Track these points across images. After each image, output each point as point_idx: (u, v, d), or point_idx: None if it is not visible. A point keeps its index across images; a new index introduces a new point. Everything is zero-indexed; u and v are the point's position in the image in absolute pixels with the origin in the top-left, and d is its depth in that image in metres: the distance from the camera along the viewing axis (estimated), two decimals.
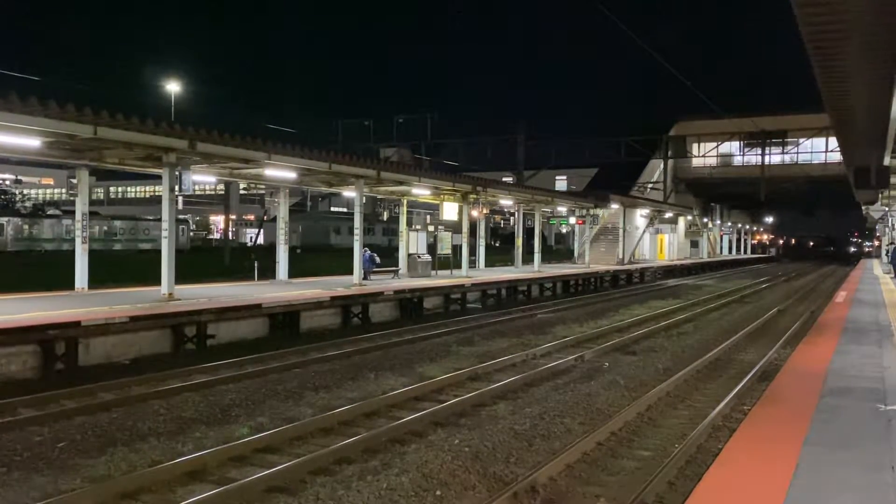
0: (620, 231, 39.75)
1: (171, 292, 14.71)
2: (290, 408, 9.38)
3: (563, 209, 36.63)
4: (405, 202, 26.56)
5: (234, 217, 63.24)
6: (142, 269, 23.53)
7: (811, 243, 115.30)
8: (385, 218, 74.58)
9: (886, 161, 22.13)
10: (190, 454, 7.21)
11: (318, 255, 41.11)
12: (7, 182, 68.80)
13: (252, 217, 79.73)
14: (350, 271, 20.44)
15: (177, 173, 14.41)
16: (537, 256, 31.35)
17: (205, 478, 6.77)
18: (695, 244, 58.35)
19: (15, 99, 10.92)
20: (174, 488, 6.50)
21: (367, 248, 21.94)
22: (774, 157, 53.82)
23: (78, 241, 16.36)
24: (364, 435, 7.88)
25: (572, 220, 36.63)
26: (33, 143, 12.77)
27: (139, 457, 7.26)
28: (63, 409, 8.95)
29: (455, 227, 26.43)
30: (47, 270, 24.50)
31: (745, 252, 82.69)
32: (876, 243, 74.12)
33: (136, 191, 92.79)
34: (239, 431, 8.19)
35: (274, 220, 32.86)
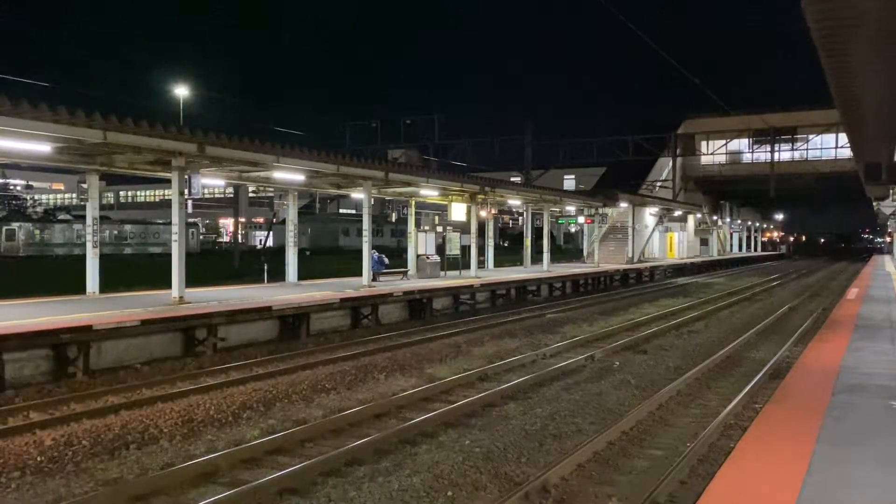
0: (630, 230, 39.61)
1: (181, 296, 14.77)
2: (300, 410, 9.40)
3: (571, 208, 36.55)
4: (413, 203, 26.58)
5: (243, 220, 63.44)
6: (152, 272, 23.66)
7: (822, 240, 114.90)
8: (394, 219, 74.65)
9: None
10: (202, 456, 7.24)
11: (327, 257, 41.23)
12: (18, 187, 69.27)
13: (261, 220, 79.95)
14: (359, 273, 20.46)
15: (186, 177, 14.47)
16: (546, 256, 31.30)
17: (217, 480, 6.80)
18: (704, 242, 58.09)
19: (26, 105, 10.99)
20: (187, 491, 6.53)
21: (375, 250, 21.96)
22: (784, 153, 53.56)
23: (89, 245, 16.45)
24: (375, 436, 7.89)
25: (581, 219, 36.55)
26: (44, 148, 12.86)
27: (151, 459, 7.29)
28: (75, 412, 9.00)
29: (464, 228, 26.42)
30: (59, 275, 24.66)
31: (756, 249, 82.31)
32: (888, 239, 73.53)
33: (145, 195, 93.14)
34: (250, 434, 8.22)
35: (283, 222, 32.96)
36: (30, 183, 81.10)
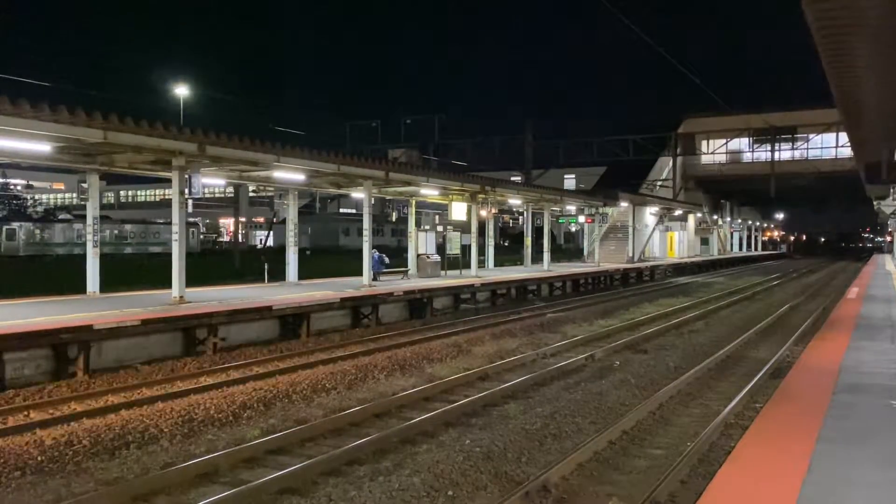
0: (630, 229, 39.62)
1: (181, 295, 14.77)
2: (300, 409, 9.40)
3: (572, 208, 36.55)
4: (414, 203, 26.58)
5: (243, 220, 63.42)
6: (152, 272, 23.66)
7: (822, 239, 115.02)
8: (394, 219, 74.61)
9: None
10: (202, 456, 7.24)
11: (327, 257, 41.21)
12: (18, 187, 69.30)
13: (262, 219, 79.92)
14: (359, 272, 20.46)
15: (186, 176, 14.46)
16: (546, 255, 31.29)
17: (217, 479, 6.80)
18: (705, 241, 58.11)
19: (26, 105, 10.99)
20: (187, 490, 6.53)
21: (375, 249, 21.96)
22: (784, 153, 53.54)
23: (89, 245, 16.45)
24: (375, 436, 7.89)
25: (581, 218, 36.54)
26: (44, 148, 12.86)
27: (152, 459, 7.30)
28: (75, 412, 9.00)
29: (464, 227, 26.40)
30: (59, 274, 24.65)
31: (756, 249, 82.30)
32: (888, 238, 73.50)
33: (146, 194, 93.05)
34: (250, 433, 8.22)
35: (283, 222, 32.95)
36: (30, 183, 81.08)
